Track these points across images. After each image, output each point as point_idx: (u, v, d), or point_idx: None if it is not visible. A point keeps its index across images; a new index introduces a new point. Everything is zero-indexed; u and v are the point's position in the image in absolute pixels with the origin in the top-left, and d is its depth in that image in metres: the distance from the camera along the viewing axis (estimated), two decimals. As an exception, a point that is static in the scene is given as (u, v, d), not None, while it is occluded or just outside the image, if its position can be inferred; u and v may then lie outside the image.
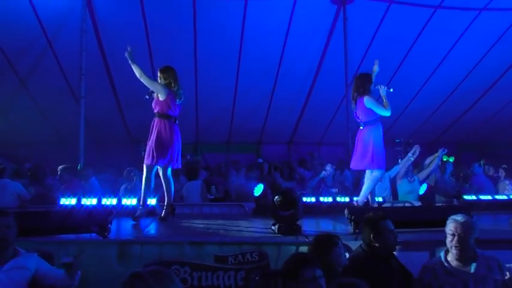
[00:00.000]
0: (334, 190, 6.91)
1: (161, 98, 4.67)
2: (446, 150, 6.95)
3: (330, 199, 5.64)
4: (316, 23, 8.80)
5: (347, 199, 5.63)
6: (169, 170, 4.77)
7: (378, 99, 4.97)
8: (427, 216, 4.28)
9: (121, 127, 10.47)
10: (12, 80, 8.99)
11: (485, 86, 10.55)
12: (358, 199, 5.07)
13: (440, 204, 5.60)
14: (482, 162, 6.92)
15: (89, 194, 5.03)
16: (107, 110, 9.72)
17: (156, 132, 4.61)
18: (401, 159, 7.04)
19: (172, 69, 4.93)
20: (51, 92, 9.27)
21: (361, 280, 2.24)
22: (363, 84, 4.95)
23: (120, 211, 4.64)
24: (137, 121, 9.13)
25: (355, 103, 5.00)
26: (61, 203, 4.73)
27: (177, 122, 4.79)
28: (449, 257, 2.92)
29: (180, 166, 4.98)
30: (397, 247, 3.43)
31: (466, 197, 6.04)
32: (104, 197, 5.00)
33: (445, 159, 7.51)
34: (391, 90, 4.92)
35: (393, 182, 6.77)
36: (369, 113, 4.87)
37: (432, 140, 11.25)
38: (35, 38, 8.26)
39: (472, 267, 2.82)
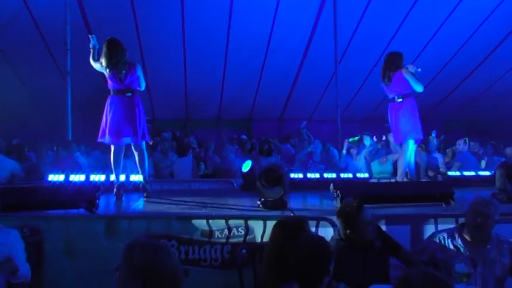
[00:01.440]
0: (322, 167, 6.99)
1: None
2: (435, 132, 7.10)
3: (318, 175, 5.71)
4: (306, -2, 8.71)
5: (334, 175, 5.70)
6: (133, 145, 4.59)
7: None
8: (412, 192, 4.36)
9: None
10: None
11: (474, 63, 10.61)
12: (398, 176, 5.20)
13: (424, 180, 5.71)
14: (466, 139, 7.03)
15: (75, 170, 5.03)
16: (93, 86, 9.60)
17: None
18: (385, 136, 7.14)
19: (110, 41, 4.54)
20: (37, 67, 9.11)
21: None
22: (395, 61, 5.06)
23: (108, 187, 4.65)
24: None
25: (389, 79, 5.08)
26: (49, 179, 4.73)
27: (129, 94, 4.44)
28: (465, 234, 2.90)
29: (144, 141, 4.62)
30: (381, 221, 3.52)
31: (450, 173, 6.16)
32: (92, 173, 5.02)
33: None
34: (419, 70, 5.02)
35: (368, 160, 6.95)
36: (406, 85, 5.01)
37: (421, 117, 11.35)
38: (18, 11, 8.05)
39: (486, 248, 2.83)
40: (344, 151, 7.13)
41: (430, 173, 6.35)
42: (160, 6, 8.25)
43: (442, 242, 2.93)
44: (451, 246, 2.90)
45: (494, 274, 2.82)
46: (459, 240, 2.89)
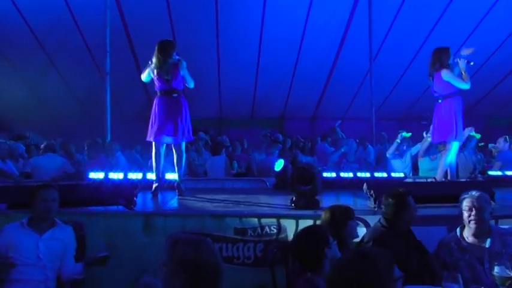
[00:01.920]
0: (356, 166, 6.90)
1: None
2: (472, 129, 6.82)
3: (351, 174, 5.65)
4: (340, -5, 8.60)
5: (368, 174, 5.62)
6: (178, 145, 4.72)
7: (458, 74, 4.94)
8: (449, 191, 4.24)
9: (145, 103, 10.68)
10: (41, 57, 9.27)
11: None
12: (437, 175, 5.17)
13: (462, 180, 5.52)
14: (507, 137, 6.72)
15: (115, 169, 5.23)
16: (131, 86, 9.91)
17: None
18: (427, 133, 6.91)
19: (160, 43, 4.64)
20: (78, 68, 9.50)
21: (383, 250, 2.29)
22: (440, 58, 4.95)
23: (146, 185, 4.80)
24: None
25: (432, 78, 5.03)
26: (89, 177, 4.94)
27: (175, 95, 4.59)
28: (465, 233, 2.94)
29: (185, 140, 4.73)
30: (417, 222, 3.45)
31: (491, 172, 5.94)
32: (130, 171, 5.19)
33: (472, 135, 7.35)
34: (471, 63, 4.88)
35: (415, 159, 6.73)
36: (447, 86, 4.91)
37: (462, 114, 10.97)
38: (61, 15, 8.43)
39: (487, 243, 2.84)
40: (398, 140, 6.91)
41: (472, 173, 6.14)
42: (195, 7, 8.41)
43: (448, 247, 2.97)
44: (456, 249, 2.92)
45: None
46: (462, 241, 2.92)
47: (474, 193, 2.94)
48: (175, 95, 4.62)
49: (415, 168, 6.91)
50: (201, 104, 11.30)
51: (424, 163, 6.59)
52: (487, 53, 9.77)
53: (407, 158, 6.82)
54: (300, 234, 2.64)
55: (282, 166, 5.36)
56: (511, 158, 6.62)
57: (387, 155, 7.03)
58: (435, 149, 6.61)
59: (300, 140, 9.29)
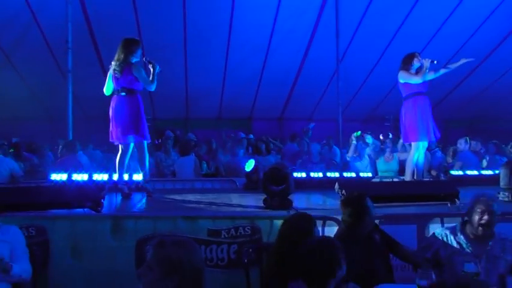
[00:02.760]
0: (322, 165, 6.97)
1: None
2: None
3: (321, 174, 5.71)
4: (308, -3, 8.69)
5: (337, 174, 5.69)
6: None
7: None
8: (417, 191, 4.36)
9: (109, 102, 10.35)
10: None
11: (474, 62, 10.57)
12: (405, 175, 5.27)
13: (427, 179, 5.70)
14: (467, 138, 7.04)
15: (78, 169, 5.01)
16: (94, 85, 9.55)
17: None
18: (392, 134, 7.13)
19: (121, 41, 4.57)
20: (38, 66, 9.07)
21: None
22: (402, 63, 5.11)
23: (112, 186, 4.63)
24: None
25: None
26: (52, 178, 4.71)
27: (122, 94, 4.48)
28: (468, 231, 2.93)
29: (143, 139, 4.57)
30: (383, 220, 3.52)
31: (452, 172, 6.17)
32: (95, 172, 5.00)
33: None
34: (435, 62, 4.99)
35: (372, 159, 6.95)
36: (405, 87, 5.06)
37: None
38: (18, 9, 8.01)
39: (488, 245, 2.86)
40: (354, 142, 7.04)
41: (433, 173, 6.36)
42: (161, 4, 8.22)
43: (445, 239, 2.97)
44: (454, 243, 2.93)
45: (498, 271, 2.83)
46: (462, 237, 2.92)
47: (488, 197, 2.91)
48: (123, 93, 4.47)
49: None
50: (167, 104, 11.10)
51: (379, 164, 6.79)
52: (447, 57, 10.15)
53: (366, 158, 6.98)
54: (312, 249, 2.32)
55: (252, 166, 5.33)
56: (471, 158, 6.93)
57: (347, 158, 7.18)
58: (389, 150, 6.85)
59: (263, 139, 9.20)
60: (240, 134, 8.89)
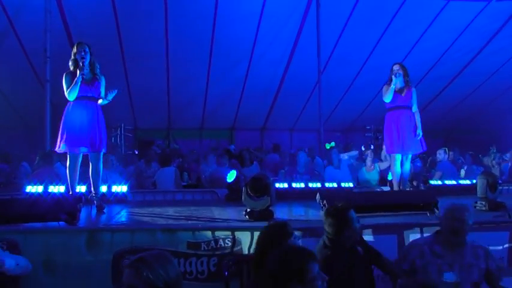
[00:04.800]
0: (307, 177, 6.97)
1: None
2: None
3: (302, 185, 5.70)
4: (290, 8, 8.78)
5: (319, 185, 5.70)
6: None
7: None
8: (396, 201, 4.39)
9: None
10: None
11: (451, 74, 10.87)
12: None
13: (408, 189, 5.76)
14: (446, 149, 7.18)
15: (55, 180, 4.87)
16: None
17: None
18: (372, 144, 7.19)
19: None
20: (14, 74, 8.87)
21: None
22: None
23: (89, 198, 4.51)
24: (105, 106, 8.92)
25: None
26: (27, 190, 4.56)
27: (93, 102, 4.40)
28: (441, 239, 2.96)
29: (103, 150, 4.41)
30: (366, 230, 3.52)
31: (431, 182, 6.25)
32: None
33: None
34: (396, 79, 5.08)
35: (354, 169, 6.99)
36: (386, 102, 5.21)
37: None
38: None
39: (460, 253, 2.89)
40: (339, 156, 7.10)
41: (414, 182, 6.43)
42: (143, 13, 8.17)
43: (420, 249, 2.99)
44: (428, 252, 2.94)
45: (472, 278, 2.86)
46: (436, 246, 2.95)
47: (461, 205, 2.96)
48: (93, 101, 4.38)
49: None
50: (149, 114, 11.00)
51: (361, 174, 6.84)
52: (425, 69, 10.40)
53: (345, 168, 7.01)
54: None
55: (234, 177, 5.28)
56: (450, 168, 7.05)
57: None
58: (370, 159, 6.95)
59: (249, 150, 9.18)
60: (231, 146, 8.83)
